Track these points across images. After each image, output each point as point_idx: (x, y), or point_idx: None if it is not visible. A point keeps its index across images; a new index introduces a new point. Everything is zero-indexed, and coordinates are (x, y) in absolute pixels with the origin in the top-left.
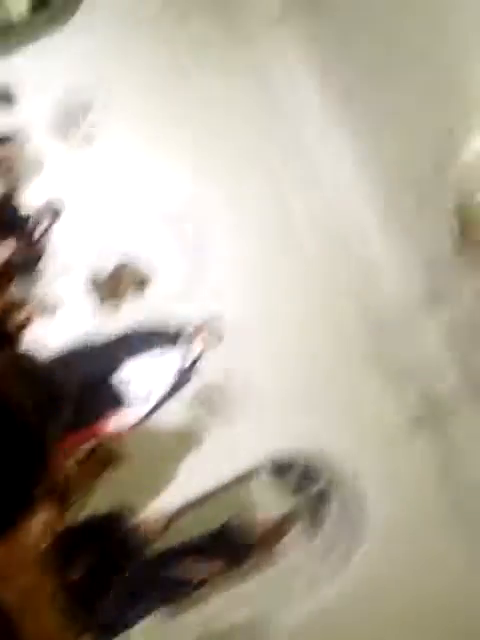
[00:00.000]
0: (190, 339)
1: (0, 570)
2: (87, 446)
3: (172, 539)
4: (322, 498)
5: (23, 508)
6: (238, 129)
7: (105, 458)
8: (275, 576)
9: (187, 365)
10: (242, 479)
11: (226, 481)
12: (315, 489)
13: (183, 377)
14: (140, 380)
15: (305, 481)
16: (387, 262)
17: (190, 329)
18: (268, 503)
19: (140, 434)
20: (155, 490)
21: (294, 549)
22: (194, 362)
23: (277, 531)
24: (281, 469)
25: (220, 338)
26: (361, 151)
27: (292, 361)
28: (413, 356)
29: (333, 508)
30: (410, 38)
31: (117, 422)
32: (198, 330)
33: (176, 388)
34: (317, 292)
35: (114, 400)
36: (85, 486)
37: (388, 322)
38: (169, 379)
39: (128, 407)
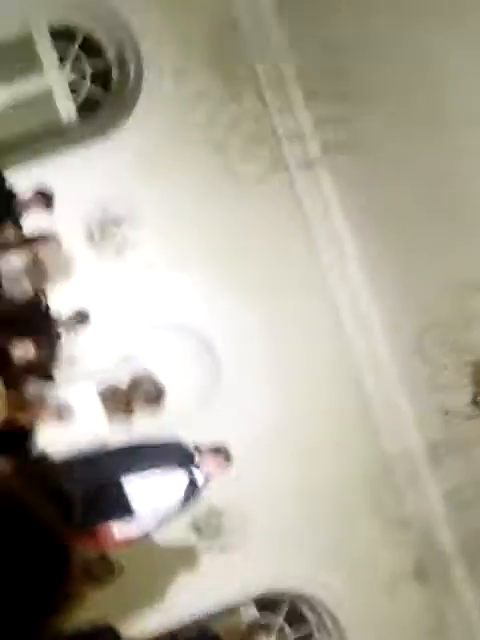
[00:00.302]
0: (202, 462)
1: None
2: (88, 556)
3: None
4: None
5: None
6: (264, 253)
7: (105, 570)
8: None
9: (195, 486)
10: (229, 612)
11: (212, 611)
12: (301, 631)
13: (190, 498)
14: (147, 494)
15: (292, 621)
16: (400, 408)
17: (202, 450)
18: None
19: (136, 549)
20: (141, 609)
21: None
22: (202, 484)
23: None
24: (269, 606)
25: (230, 465)
26: (385, 296)
27: (294, 496)
28: (413, 508)
29: None
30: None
31: (119, 533)
32: (210, 454)
33: (182, 508)
34: (326, 428)
35: (118, 510)
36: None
37: (392, 470)
38: (176, 498)
39: (132, 520)
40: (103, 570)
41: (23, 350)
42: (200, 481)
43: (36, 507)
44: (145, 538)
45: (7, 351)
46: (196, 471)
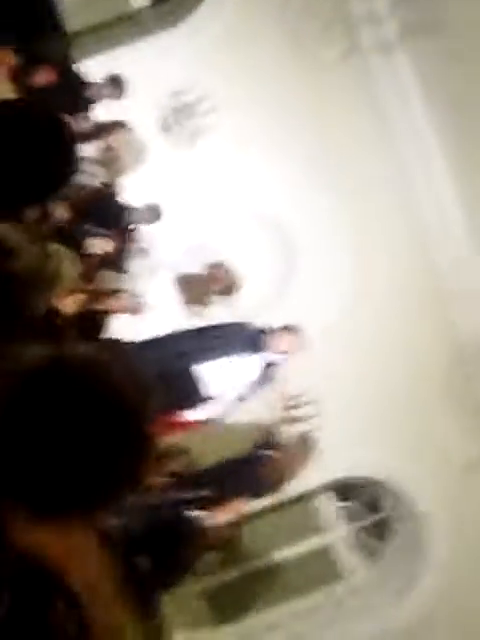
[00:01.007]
0: (273, 341)
1: (65, 562)
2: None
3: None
4: (385, 527)
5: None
6: (344, 147)
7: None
8: (329, 596)
9: (269, 367)
10: (307, 497)
11: (289, 496)
12: (379, 517)
13: (263, 380)
14: (221, 376)
15: (369, 508)
16: (475, 298)
17: (274, 331)
18: (331, 523)
19: (209, 433)
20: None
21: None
22: (275, 366)
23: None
24: (347, 493)
25: (302, 345)
26: (461, 185)
27: (368, 384)
28: None
29: (396, 538)
30: None
31: (194, 415)
32: (282, 333)
33: (254, 390)
34: (402, 319)
35: (193, 392)
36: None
37: (466, 359)
38: (249, 379)
39: (206, 402)
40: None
41: (101, 245)
42: (273, 361)
43: (120, 384)
44: (220, 421)
45: (82, 244)
46: (269, 351)
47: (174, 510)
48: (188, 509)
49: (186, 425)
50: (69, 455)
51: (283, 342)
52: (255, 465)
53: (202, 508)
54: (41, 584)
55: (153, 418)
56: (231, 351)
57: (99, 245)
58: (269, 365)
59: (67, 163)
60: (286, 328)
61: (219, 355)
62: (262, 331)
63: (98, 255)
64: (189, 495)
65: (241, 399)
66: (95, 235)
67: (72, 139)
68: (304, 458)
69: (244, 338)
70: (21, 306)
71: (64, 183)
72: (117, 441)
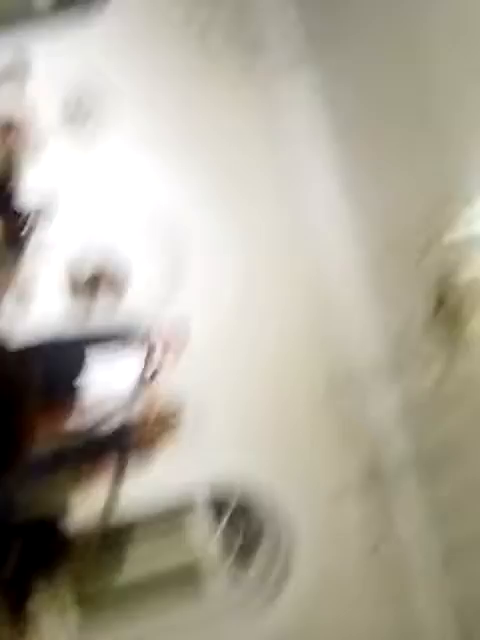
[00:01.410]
0: (157, 340)
1: None
2: None
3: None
4: (255, 537)
5: None
6: (238, 155)
7: None
8: (205, 609)
9: (149, 372)
10: (178, 512)
11: (160, 510)
12: (249, 528)
13: (143, 383)
14: (99, 382)
15: (239, 518)
16: (360, 321)
17: (156, 333)
18: (201, 537)
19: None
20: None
21: None
22: (156, 370)
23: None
24: (217, 503)
25: (185, 344)
26: (354, 206)
27: (250, 392)
28: (368, 419)
29: (264, 549)
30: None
31: (73, 418)
32: (163, 335)
33: (135, 394)
34: (287, 330)
35: (74, 393)
36: None
37: (351, 379)
38: (131, 380)
39: (84, 406)
40: None
41: None
42: (155, 365)
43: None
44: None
45: None
46: (153, 351)
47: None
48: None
49: (64, 423)
50: None
51: (168, 341)
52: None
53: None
54: None
55: (29, 415)
56: (116, 350)
57: None
58: (152, 365)
59: None
60: (170, 328)
61: (103, 355)
62: (148, 331)
63: None
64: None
65: (123, 404)
66: None
67: None
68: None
69: (130, 338)
70: None
71: None
72: None
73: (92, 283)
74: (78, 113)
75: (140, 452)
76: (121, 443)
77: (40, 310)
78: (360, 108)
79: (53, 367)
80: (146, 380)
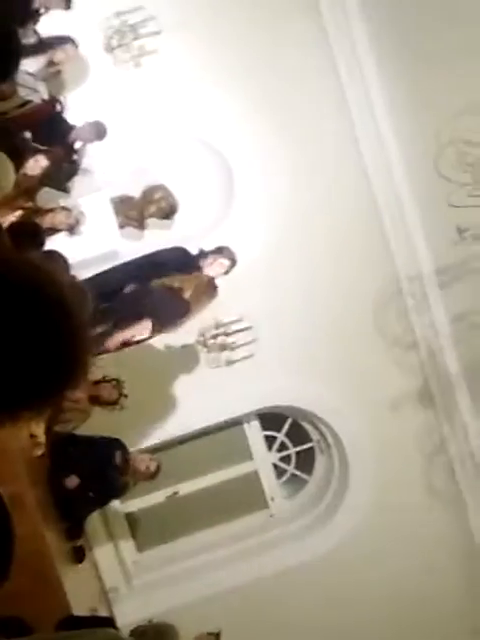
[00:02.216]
0: (208, 263)
1: None
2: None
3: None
4: (309, 458)
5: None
6: (283, 67)
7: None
8: (253, 523)
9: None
10: (232, 423)
11: (217, 422)
12: (304, 447)
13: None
14: (155, 298)
15: (297, 431)
16: (413, 227)
17: (208, 254)
18: (257, 452)
19: (142, 364)
20: (146, 423)
21: None
22: (207, 291)
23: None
24: (272, 422)
25: (234, 263)
26: (400, 122)
27: (302, 314)
28: (420, 331)
29: (319, 469)
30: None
31: (130, 336)
32: (216, 255)
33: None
34: (337, 245)
35: (130, 314)
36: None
37: (401, 291)
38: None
39: (142, 322)
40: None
41: (34, 163)
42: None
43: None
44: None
45: (23, 158)
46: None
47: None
48: None
49: (125, 345)
50: (9, 354)
51: (217, 264)
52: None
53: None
54: None
55: (92, 332)
56: (165, 274)
57: (35, 165)
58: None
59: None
60: (220, 250)
61: (154, 278)
62: (196, 254)
63: (36, 175)
64: None
65: (176, 319)
66: (36, 151)
67: (18, 48)
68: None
69: (179, 261)
70: None
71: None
72: (56, 347)
73: (143, 207)
74: (124, 35)
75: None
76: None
77: (92, 236)
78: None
79: (107, 291)
80: (198, 299)
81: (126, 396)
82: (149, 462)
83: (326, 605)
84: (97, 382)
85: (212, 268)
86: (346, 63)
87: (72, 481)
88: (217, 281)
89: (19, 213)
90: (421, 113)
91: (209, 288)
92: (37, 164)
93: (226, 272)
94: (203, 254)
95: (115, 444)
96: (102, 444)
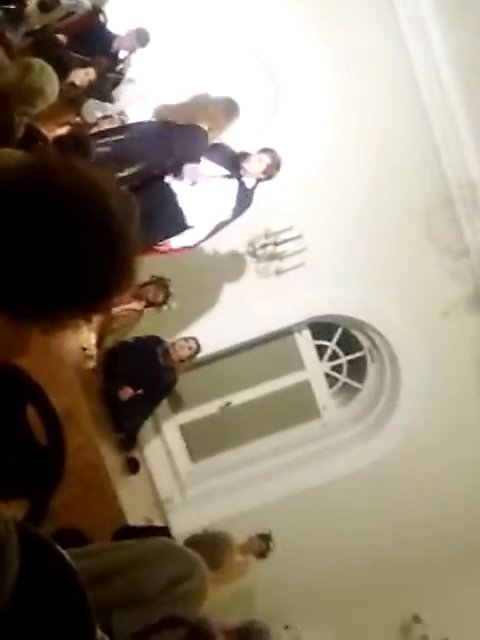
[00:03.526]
0: (251, 162)
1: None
2: None
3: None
4: (361, 367)
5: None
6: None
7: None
8: (305, 433)
9: (246, 191)
10: (283, 333)
11: (268, 332)
12: (355, 356)
13: (241, 204)
14: (199, 203)
15: (346, 348)
16: (463, 138)
17: (250, 153)
18: (308, 361)
19: (191, 269)
20: (198, 329)
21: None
22: (253, 188)
23: None
24: (323, 331)
25: (279, 166)
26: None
27: (352, 222)
28: (471, 239)
29: (372, 374)
30: None
31: (176, 243)
32: (260, 154)
33: (234, 215)
34: (388, 159)
35: (174, 223)
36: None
37: (452, 200)
38: (228, 204)
39: (187, 230)
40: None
41: (83, 76)
42: (250, 184)
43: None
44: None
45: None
46: (247, 173)
47: None
48: None
49: (168, 252)
50: (57, 260)
51: (261, 163)
52: None
53: None
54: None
55: (137, 238)
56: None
57: (85, 77)
58: (247, 189)
59: None
60: (264, 150)
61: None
62: (240, 153)
63: (84, 86)
64: None
65: (222, 224)
66: (81, 62)
67: None
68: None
69: (222, 158)
70: (5, 118)
71: None
72: (102, 251)
73: (189, 118)
74: None
75: None
76: None
77: None
78: None
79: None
80: (245, 206)
81: (171, 294)
82: (189, 343)
83: (378, 514)
84: (142, 285)
85: (251, 163)
86: None
87: (126, 392)
88: (264, 187)
89: (66, 127)
90: (473, 21)
91: None
92: (87, 77)
93: (267, 173)
94: (247, 153)
95: (153, 342)
96: (141, 347)
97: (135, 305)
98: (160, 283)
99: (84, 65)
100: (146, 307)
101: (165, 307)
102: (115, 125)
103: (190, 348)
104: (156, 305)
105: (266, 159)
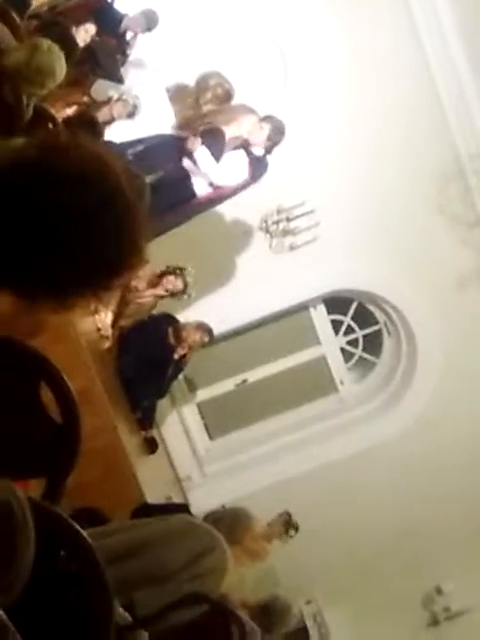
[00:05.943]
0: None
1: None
2: None
3: None
4: (376, 341)
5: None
6: None
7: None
8: (321, 408)
9: (257, 161)
10: (298, 309)
11: (282, 308)
12: (370, 330)
13: (253, 175)
14: (214, 170)
15: (361, 322)
16: (474, 109)
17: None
18: (324, 336)
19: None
20: (212, 307)
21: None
22: (264, 155)
23: None
24: (338, 306)
25: (282, 131)
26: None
27: (363, 196)
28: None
29: (387, 348)
30: None
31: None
32: (263, 122)
33: (245, 186)
34: (398, 127)
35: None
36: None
37: (463, 172)
38: (241, 176)
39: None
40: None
41: (83, 33)
42: (260, 153)
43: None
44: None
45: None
46: (254, 143)
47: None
48: None
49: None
50: (68, 236)
51: (263, 131)
52: None
53: None
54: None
55: (147, 218)
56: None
57: (82, 34)
58: (256, 158)
59: None
60: (263, 119)
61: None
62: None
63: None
64: None
65: (237, 190)
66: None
67: None
68: None
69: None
70: (14, 99)
71: None
72: (113, 229)
73: (198, 94)
74: None
75: None
76: None
77: (147, 124)
78: None
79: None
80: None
81: (189, 283)
82: (201, 332)
83: (396, 488)
84: (160, 275)
85: (254, 134)
86: None
87: (137, 370)
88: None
89: (75, 108)
90: None
91: None
92: (87, 34)
93: (271, 139)
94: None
95: (165, 320)
96: (153, 325)
97: (159, 291)
98: (178, 273)
99: (78, 23)
100: (165, 297)
101: (185, 296)
102: (128, 109)
103: (201, 337)
104: (175, 295)
105: (266, 126)
